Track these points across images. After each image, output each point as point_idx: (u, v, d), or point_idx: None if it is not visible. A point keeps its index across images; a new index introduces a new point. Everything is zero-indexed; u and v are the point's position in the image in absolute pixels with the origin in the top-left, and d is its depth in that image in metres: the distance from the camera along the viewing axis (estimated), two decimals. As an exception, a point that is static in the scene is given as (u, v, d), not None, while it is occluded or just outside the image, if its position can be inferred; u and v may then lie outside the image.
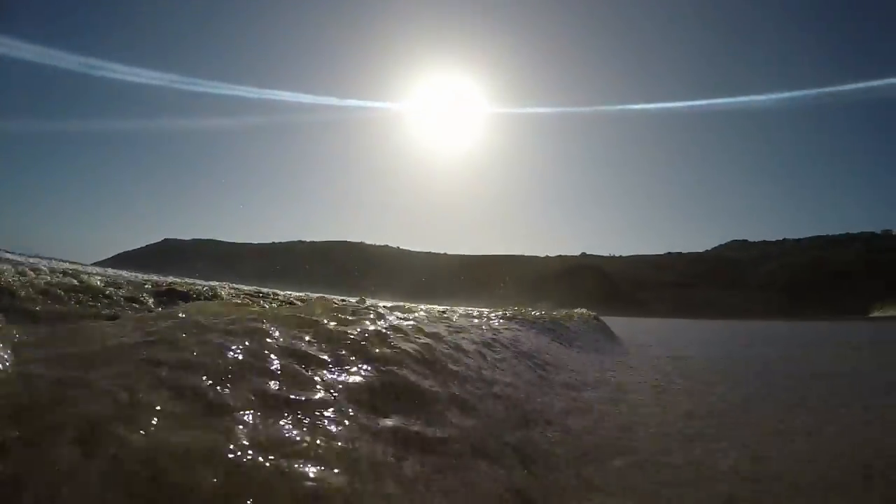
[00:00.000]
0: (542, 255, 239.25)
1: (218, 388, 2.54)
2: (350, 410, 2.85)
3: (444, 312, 10.36)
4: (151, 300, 6.99)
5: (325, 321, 4.38)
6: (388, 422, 2.92)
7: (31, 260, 12.15)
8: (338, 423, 2.64)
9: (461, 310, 14.46)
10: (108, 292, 6.52)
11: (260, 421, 2.37)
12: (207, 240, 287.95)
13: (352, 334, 4.08)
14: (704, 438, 4.45)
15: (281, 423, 2.43)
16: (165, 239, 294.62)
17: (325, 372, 3.25)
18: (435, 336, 5.46)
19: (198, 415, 2.27)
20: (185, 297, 7.74)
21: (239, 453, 2.04)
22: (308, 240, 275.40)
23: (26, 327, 3.75)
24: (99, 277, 8.00)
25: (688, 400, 6.49)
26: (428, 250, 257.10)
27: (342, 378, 3.27)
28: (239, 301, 7.36)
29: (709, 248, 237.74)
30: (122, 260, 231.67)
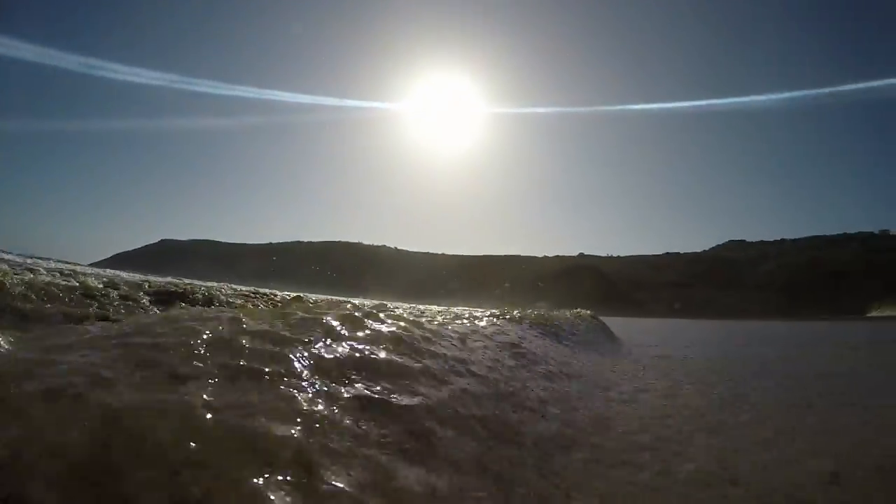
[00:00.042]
0: (540, 255, 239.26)
1: (186, 361, 2.69)
2: (315, 380, 2.96)
3: (423, 312, 10.34)
4: (147, 299, 7.00)
5: (300, 313, 4.49)
6: (353, 390, 3.02)
7: (29, 260, 12.14)
8: (301, 390, 2.76)
9: (456, 309, 14.54)
10: (105, 293, 6.52)
11: (223, 386, 2.50)
12: (205, 240, 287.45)
13: (325, 320, 4.17)
14: (671, 443, 4.38)
15: (243, 388, 2.56)
16: (163, 239, 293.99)
17: (294, 348, 3.35)
18: (413, 323, 5.53)
19: (161, 381, 2.41)
20: (183, 297, 7.74)
21: (196, 410, 2.15)
22: (306, 240, 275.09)
23: (19, 326, 3.81)
24: (96, 278, 7.99)
25: (665, 398, 6.53)
26: (426, 250, 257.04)
27: (312, 353, 3.36)
28: (240, 301, 7.38)
29: (706, 249, 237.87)
30: (120, 260, 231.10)
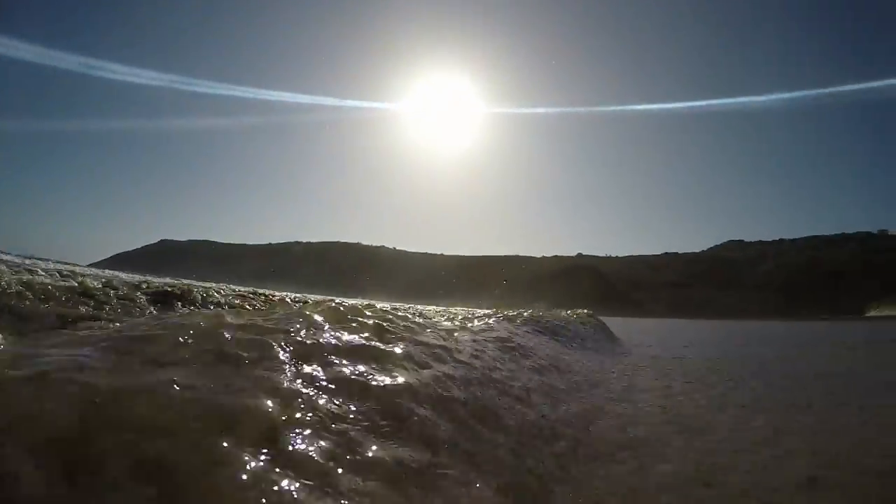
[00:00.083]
0: (539, 255, 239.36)
1: (167, 350, 2.74)
2: (293, 363, 3.01)
3: (409, 308, 10.34)
4: (145, 299, 6.97)
5: (282, 310, 4.52)
6: (331, 371, 3.06)
7: (28, 261, 12.11)
8: (277, 371, 2.80)
9: (453, 309, 14.52)
10: (102, 294, 6.49)
11: (200, 370, 2.55)
12: (204, 241, 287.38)
13: (308, 312, 4.21)
14: (653, 442, 4.37)
15: (220, 371, 2.60)
16: (162, 240, 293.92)
17: (275, 337, 3.37)
18: (399, 317, 5.55)
19: (141, 366, 2.48)
20: (181, 298, 7.71)
21: (170, 388, 2.21)
22: (304, 240, 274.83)
23: (16, 326, 3.83)
24: (94, 279, 7.97)
25: (656, 398, 6.47)
26: (424, 251, 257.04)
27: (292, 341, 3.38)
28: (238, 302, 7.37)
29: (705, 249, 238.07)
30: (119, 261, 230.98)
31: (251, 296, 10.47)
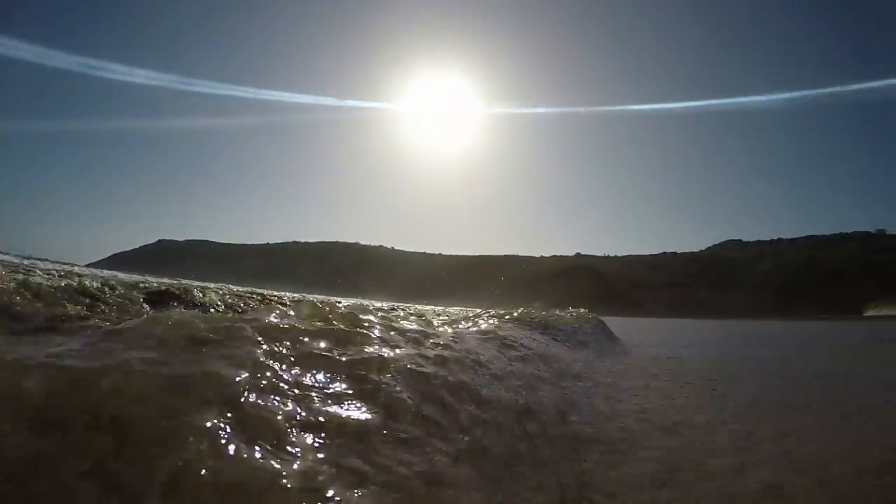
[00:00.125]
0: (538, 255, 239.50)
1: (140, 339, 2.79)
2: (262, 342, 3.06)
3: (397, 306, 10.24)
4: (142, 297, 6.95)
5: (260, 303, 4.55)
6: (300, 348, 3.14)
7: (26, 261, 12.10)
8: (246, 348, 2.85)
9: (452, 309, 14.50)
10: (99, 294, 6.46)
11: (169, 350, 2.60)
12: (202, 240, 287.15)
13: (283, 299, 4.22)
14: (620, 441, 4.27)
15: (189, 350, 2.67)
16: (161, 240, 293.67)
17: (248, 322, 3.41)
18: (377, 308, 5.55)
19: (115, 351, 2.53)
20: (178, 298, 7.68)
21: (135, 364, 2.30)
22: (303, 240, 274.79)
23: (10, 326, 3.83)
24: (92, 279, 7.95)
25: (638, 396, 6.34)
26: (423, 251, 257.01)
27: (264, 324, 3.41)
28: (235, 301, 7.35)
29: (704, 248, 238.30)
30: (117, 261, 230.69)
31: (249, 296, 10.46)
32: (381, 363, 3.28)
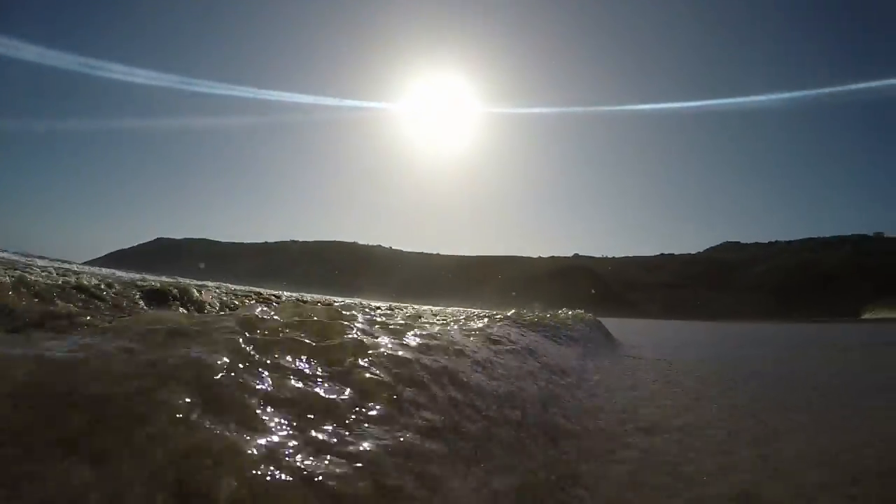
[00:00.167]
0: (535, 255, 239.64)
1: (121, 334, 2.80)
2: (240, 332, 3.08)
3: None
4: (139, 294, 6.99)
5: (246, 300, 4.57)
6: (278, 337, 3.17)
7: (25, 259, 12.10)
8: (222, 336, 2.89)
9: (450, 310, 14.55)
10: (96, 291, 6.50)
11: (147, 341, 2.63)
12: (200, 239, 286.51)
13: (266, 295, 4.24)
14: (592, 439, 4.25)
15: (165, 342, 2.68)
16: (159, 238, 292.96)
17: (228, 316, 3.43)
18: (362, 305, 5.56)
19: (98, 343, 2.56)
20: (176, 297, 7.72)
21: (118, 353, 2.37)
22: (301, 239, 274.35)
23: (5, 323, 3.87)
24: (89, 277, 7.98)
25: (623, 394, 6.44)
26: (421, 251, 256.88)
27: (243, 318, 3.42)
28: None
29: (701, 250, 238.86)
30: (115, 259, 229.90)
31: (246, 296, 10.49)
32: (359, 347, 3.33)
